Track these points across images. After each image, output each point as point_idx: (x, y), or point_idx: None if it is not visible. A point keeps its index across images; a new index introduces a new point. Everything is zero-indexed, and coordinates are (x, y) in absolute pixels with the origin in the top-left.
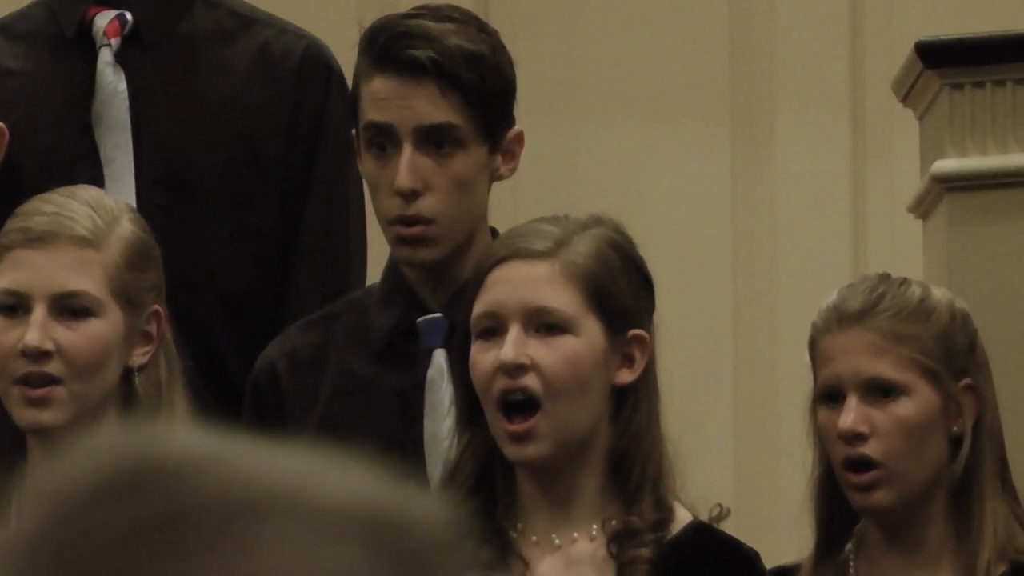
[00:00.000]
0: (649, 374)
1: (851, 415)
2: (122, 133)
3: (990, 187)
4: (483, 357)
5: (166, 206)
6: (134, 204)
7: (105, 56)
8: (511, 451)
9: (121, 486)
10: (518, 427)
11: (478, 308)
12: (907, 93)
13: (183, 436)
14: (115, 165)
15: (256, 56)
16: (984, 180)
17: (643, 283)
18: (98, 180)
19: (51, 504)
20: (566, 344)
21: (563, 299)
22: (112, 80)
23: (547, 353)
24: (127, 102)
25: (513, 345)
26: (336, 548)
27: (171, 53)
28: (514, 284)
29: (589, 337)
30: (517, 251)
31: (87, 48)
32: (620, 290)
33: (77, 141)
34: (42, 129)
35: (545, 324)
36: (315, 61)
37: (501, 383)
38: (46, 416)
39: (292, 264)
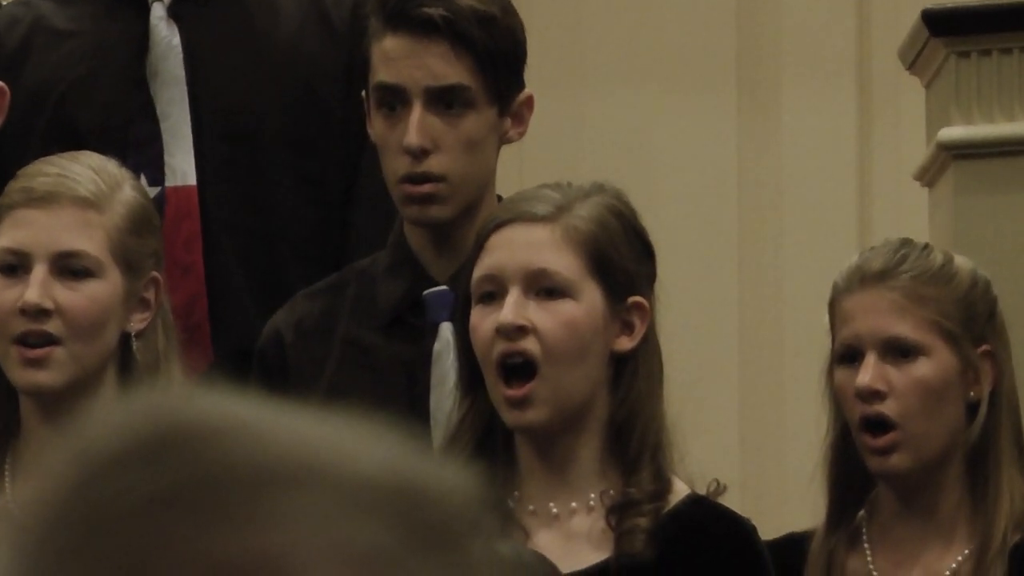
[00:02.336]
0: (649, 342)
1: (869, 372)
2: (178, 87)
3: (996, 155)
4: (483, 322)
5: (228, 158)
6: (192, 158)
7: (158, 11)
8: (509, 416)
9: (150, 449)
10: (516, 392)
11: (478, 271)
12: (914, 61)
13: (214, 400)
14: (172, 120)
15: (309, 3)
16: (990, 148)
17: (644, 251)
18: (155, 135)
19: (78, 466)
20: (565, 308)
21: (563, 263)
22: (166, 35)
23: (546, 317)
24: (182, 56)
25: (512, 308)
26: (361, 521)
27: (223, 5)
28: (515, 247)
29: (589, 302)
30: (518, 215)
31: (139, 4)
32: (621, 256)
33: (133, 97)
34: (98, 87)
35: (545, 288)
36: (368, 5)
37: (500, 346)
38: (43, 377)
39: (350, 209)
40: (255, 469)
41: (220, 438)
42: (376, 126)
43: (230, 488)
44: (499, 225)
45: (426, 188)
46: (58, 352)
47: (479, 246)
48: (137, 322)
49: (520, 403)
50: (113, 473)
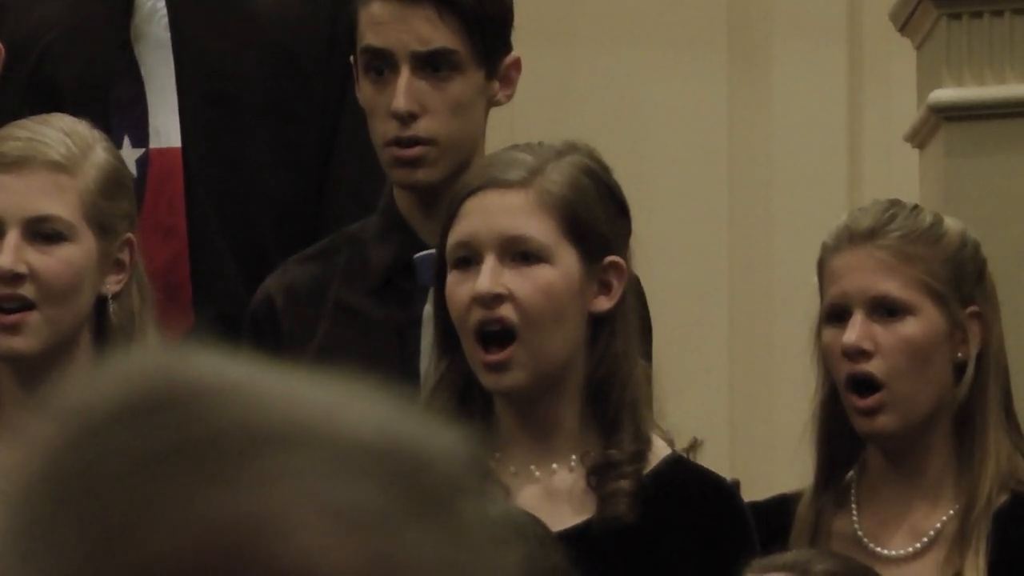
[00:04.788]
0: (626, 301)
1: (856, 330)
2: (162, 50)
3: (987, 117)
4: (459, 288)
5: (210, 121)
6: (177, 120)
7: None
8: (488, 380)
9: (144, 409)
10: (495, 357)
11: (453, 238)
12: (905, 22)
13: (206, 361)
14: (156, 82)
15: None
16: (981, 110)
17: (619, 209)
18: (138, 97)
19: (68, 426)
20: (542, 274)
21: (538, 228)
22: None
23: (523, 283)
24: (166, 19)
25: (489, 275)
26: (354, 483)
27: None
28: (489, 214)
29: (565, 266)
30: (491, 181)
31: None
32: (595, 217)
33: (116, 58)
34: (80, 47)
35: (520, 253)
36: None
37: (478, 314)
38: (19, 343)
39: (328, 175)
40: (248, 430)
41: (213, 399)
42: (364, 90)
43: (223, 449)
44: (472, 191)
45: (414, 151)
46: (33, 317)
47: (453, 211)
48: (112, 284)
49: (499, 367)
50: (104, 433)
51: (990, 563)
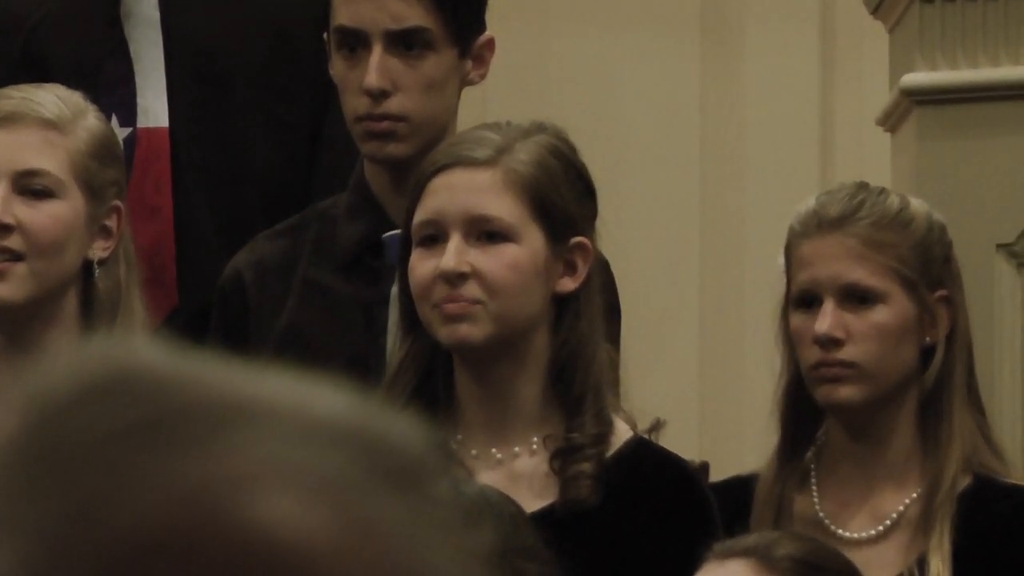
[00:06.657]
0: (591, 283)
1: (828, 319)
2: (151, 29)
3: (959, 101)
4: (422, 265)
5: (199, 100)
6: (165, 99)
7: None
8: (445, 332)
9: (104, 390)
10: (454, 306)
11: (419, 215)
12: (878, 5)
13: (161, 349)
14: (145, 61)
15: None
16: (953, 94)
17: (585, 190)
18: (127, 76)
19: (32, 409)
20: (508, 252)
21: (505, 207)
22: None
23: (488, 261)
24: None
25: (454, 254)
26: (324, 453)
27: None
28: (456, 192)
29: (531, 245)
30: (458, 159)
31: None
32: (562, 197)
33: (105, 37)
34: (69, 25)
35: (487, 232)
36: None
37: (442, 292)
38: (2, 289)
39: (317, 155)
40: (213, 406)
41: (173, 381)
42: (336, 67)
43: (189, 421)
44: (439, 169)
45: (385, 125)
46: (19, 267)
47: (419, 189)
48: (99, 249)
49: (457, 318)
50: (67, 414)
51: (954, 547)
